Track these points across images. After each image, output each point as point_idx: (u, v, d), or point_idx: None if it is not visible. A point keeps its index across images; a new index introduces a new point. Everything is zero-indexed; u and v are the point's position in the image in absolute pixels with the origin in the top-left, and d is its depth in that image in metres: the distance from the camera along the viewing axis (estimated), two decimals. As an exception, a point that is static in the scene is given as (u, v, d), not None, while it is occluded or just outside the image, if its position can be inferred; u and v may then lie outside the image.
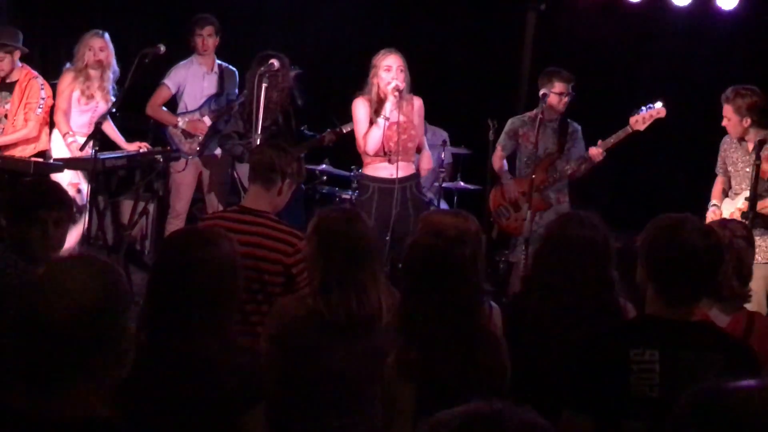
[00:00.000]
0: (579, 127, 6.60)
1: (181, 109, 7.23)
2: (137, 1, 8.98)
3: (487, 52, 8.92)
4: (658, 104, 6.26)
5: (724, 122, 5.72)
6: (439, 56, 7.40)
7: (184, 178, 7.14)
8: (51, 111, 6.73)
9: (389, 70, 5.88)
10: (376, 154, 6.00)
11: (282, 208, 4.43)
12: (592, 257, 3.40)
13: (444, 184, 7.80)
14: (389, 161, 5.98)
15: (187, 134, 7.16)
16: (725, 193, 5.96)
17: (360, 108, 6.00)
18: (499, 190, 6.77)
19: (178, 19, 7.73)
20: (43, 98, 6.61)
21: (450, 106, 8.32)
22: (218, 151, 7.24)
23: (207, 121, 7.15)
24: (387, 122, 5.85)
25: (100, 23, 7.28)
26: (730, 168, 5.88)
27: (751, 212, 5.33)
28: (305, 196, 7.74)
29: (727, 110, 5.67)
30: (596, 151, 6.35)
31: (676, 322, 2.76)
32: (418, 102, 6.11)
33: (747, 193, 5.61)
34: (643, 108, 6.28)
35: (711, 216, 5.72)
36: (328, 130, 6.75)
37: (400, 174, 5.93)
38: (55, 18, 8.71)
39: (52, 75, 7.00)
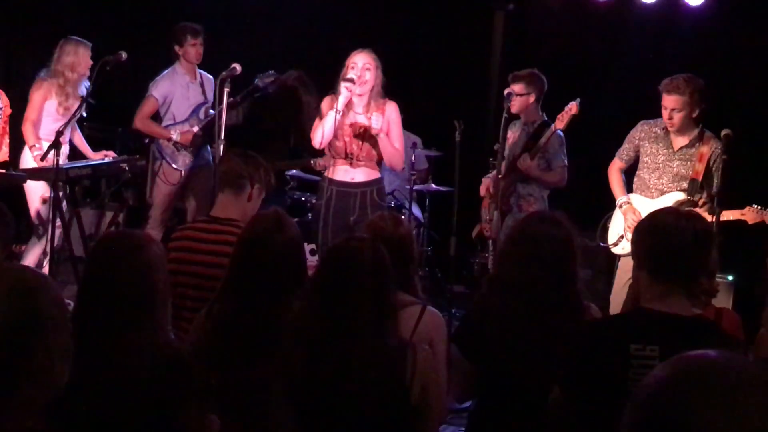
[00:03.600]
0: (561, 134, 6.41)
1: (168, 120, 7.14)
2: (102, 8, 8.89)
3: (456, 52, 8.90)
4: (572, 102, 6.06)
5: (672, 114, 5.40)
6: (408, 57, 7.37)
7: (169, 187, 7.07)
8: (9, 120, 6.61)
9: (354, 67, 5.78)
10: (337, 156, 5.88)
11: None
12: (553, 253, 3.38)
13: (415, 187, 7.78)
14: (350, 165, 5.86)
15: (180, 146, 7.08)
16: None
17: (324, 105, 5.89)
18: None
19: (144, 27, 7.67)
20: (1, 108, 6.49)
21: (419, 108, 8.27)
22: (204, 161, 7.19)
23: (196, 130, 7.09)
24: (338, 115, 5.70)
25: (65, 31, 7.20)
26: (646, 159, 5.63)
27: (719, 208, 5.22)
28: (276, 202, 7.69)
29: (671, 101, 5.41)
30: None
31: (674, 317, 2.77)
32: (390, 107, 5.90)
33: (677, 195, 5.50)
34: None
35: (631, 217, 5.51)
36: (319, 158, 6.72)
37: (361, 178, 5.84)
38: (19, 26, 8.62)
39: (15, 83, 6.91)
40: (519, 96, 6.30)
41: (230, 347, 3.25)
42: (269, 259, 3.30)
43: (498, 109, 6.86)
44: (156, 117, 7.17)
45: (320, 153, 6.56)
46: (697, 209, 5.30)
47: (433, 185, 7.98)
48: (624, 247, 5.59)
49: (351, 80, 5.71)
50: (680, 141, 5.54)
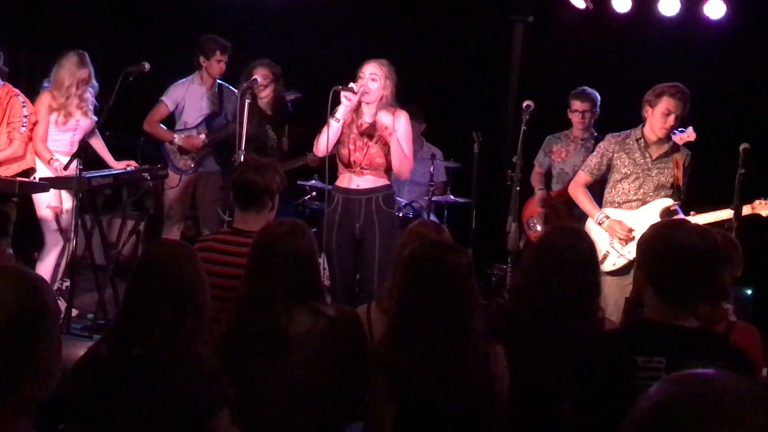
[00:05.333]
0: None
1: (179, 126, 7.23)
2: (124, 18, 8.98)
3: (475, 64, 8.92)
4: (689, 129, 6.23)
5: (668, 117, 5.47)
6: (427, 69, 7.41)
7: (177, 195, 7.12)
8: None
9: (362, 77, 5.80)
10: (343, 164, 5.87)
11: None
12: (574, 265, 3.41)
13: (433, 198, 7.80)
14: (354, 173, 5.84)
15: (183, 150, 7.15)
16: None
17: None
18: (532, 201, 6.89)
19: (166, 37, 7.73)
20: (25, 116, 6.56)
21: (438, 120, 8.31)
22: (213, 168, 7.25)
23: (203, 137, 7.14)
24: (336, 123, 5.71)
25: (85, 40, 7.28)
26: (624, 170, 5.65)
27: (737, 222, 5.25)
28: (295, 212, 7.73)
29: (678, 106, 5.47)
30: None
31: (680, 329, 2.78)
32: (401, 118, 5.87)
33: (664, 201, 5.54)
34: (676, 131, 6.24)
35: (619, 229, 5.53)
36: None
37: (366, 185, 5.83)
38: (40, 35, 8.70)
39: (37, 92, 6.97)
40: (589, 112, 6.74)
41: (243, 354, 3.29)
42: (280, 266, 3.33)
43: (516, 121, 6.88)
44: (171, 123, 7.24)
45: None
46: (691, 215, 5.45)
47: (452, 196, 7.99)
48: (615, 263, 5.59)
49: (351, 90, 5.70)
50: (657, 150, 5.63)
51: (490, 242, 7.23)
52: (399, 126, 5.80)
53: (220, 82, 7.29)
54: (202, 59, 7.15)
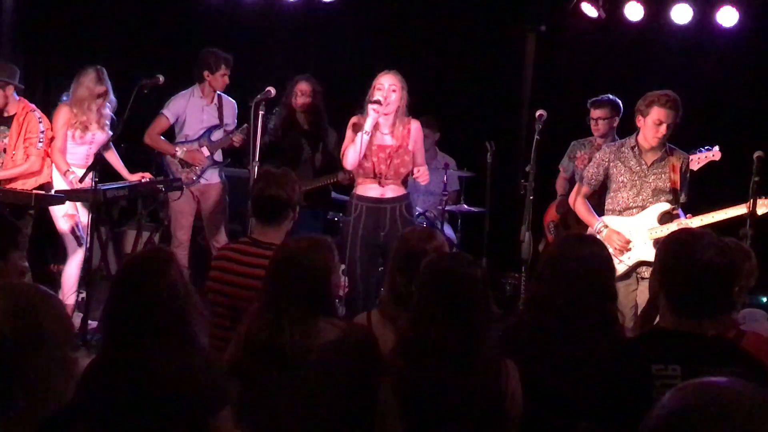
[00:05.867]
0: None
1: (180, 139, 7.26)
2: (138, 31, 9.03)
3: (488, 74, 8.92)
4: (715, 147, 6.25)
5: (660, 127, 5.46)
6: (440, 79, 7.45)
7: (182, 206, 7.14)
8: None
9: (381, 89, 5.91)
10: (366, 176, 6.00)
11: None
12: (593, 272, 3.42)
13: (447, 207, 7.80)
14: (379, 184, 5.99)
15: (185, 163, 7.20)
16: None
17: (349, 128, 6.03)
18: (553, 205, 6.92)
19: (180, 49, 7.78)
20: (42, 131, 6.62)
21: (451, 129, 8.32)
22: (215, 180, 7.29)
23: (205, 151, 7.19)
24: (366, 136, 5.84)
25: (102, 55, 7.34)
26: (621, 179, 5.67)
27: (752, 230, 5.24)
28: (325, 225, 7.75)
29: (669, 115, 5.46)
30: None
31: (695, 337, 2.78)
32: (415, 125, 6.06)
33: (662, 206, 5.55)
34: (702, 149, 6.26)
35: (617, 239, 5.53)
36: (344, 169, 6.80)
37: (390, 194, 5.99)
38: (57, 49, 8.77)
39: (54, 105, 7.03)
40: (604, 120, 6.76)
41: (260, 364, 3.31)
42: (296, 281, 3.36)
43: (529, 130, 6.89)
44: (171, 136, 7.28)
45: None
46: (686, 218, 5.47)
47: (465, 206, 8.00)
48: (617, 270, 5.57)
49: (378, 102, 5.84)
50: (651, 156, 5.63)
51: (503, 251, 7.23)
52: (415, 135, 6.03)
53: (219, 93, 7.32)
54: (206, 73, 7.16)
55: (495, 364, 3.08)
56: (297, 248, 3.48)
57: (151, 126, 7.19)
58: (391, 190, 5.99)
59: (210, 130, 7.23)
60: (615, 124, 6.85)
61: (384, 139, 5.99)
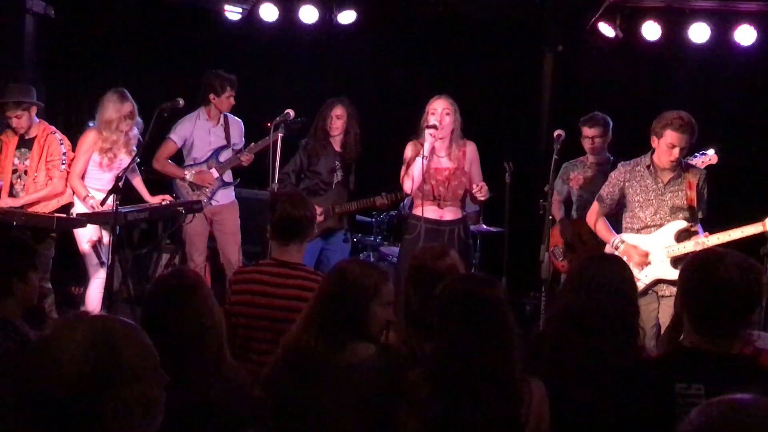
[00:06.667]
0: None
1: (188, 162, 7.30)
2: (158, 55, 9.11)
3: (506, 93, 8.96)
4: (710, 151, 6.24)
5: (673, 150, 5.44)
6: (458, 99, 7.37)
7: (196, 229, 7.17)
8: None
9: (434, 113, 6.07)
10: (425, 198, 6.11)
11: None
12: (617, 292, 3.43)
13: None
14: (438, 206, 6.13)
15: (195, 186, 7.23)
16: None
17: (407, 150, 6.19)
18: (556, 229, 6.91)
19: (197, 72, 7.83)
20: (64, 153, 6.69)
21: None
22: (227, 200, 7.33)
23: (214, 173, 7.23)
24: (425, 160, 5.97)
25: (122, 78, 7.40)
26: (637, 198, 5.66)
27: None
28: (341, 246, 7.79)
29: (682, 139, 5.42)
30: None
31: (719, 356, 2.79)
32: (470, 147, 6.25)
33: (679, 224, 5.53)
34: (697, 155, 6.25)
35: (635, 254, 5.52)
36: (383, 193, 6.85)
37: (449, 217, 6.16)
38: (77, 73, 8.85)
39: (76, 128, 7.10)
40: (599, 138, 6.78)
41: (295, 383, 3.30)
42: (351, 303, 3.34)
43: (548, 150, 6.89)
44: (179, 159, 7.33)
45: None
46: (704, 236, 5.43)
47: (484, 226, 8.00)
48: None
49: (434, 126, 6.00)
50: (667, 174, 5.61)
51: (523, 271, 7.22)
52: (471, 156, 6.23)
53: (225, 113, 7.35)
54: (212, 96, 7.19)
55: (520, 385, 3.06)
56: (351, 270, 3.44)
57: (159, 151, 7.23)
58: (450, 212, 6.16)
59: (218, 151, 7.27)
60: (608, 142, 6.87)
61: (441, 162, 6.16)
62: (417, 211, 6.18)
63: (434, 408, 2.98)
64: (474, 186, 6.07)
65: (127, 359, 1.83)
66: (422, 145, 6.05)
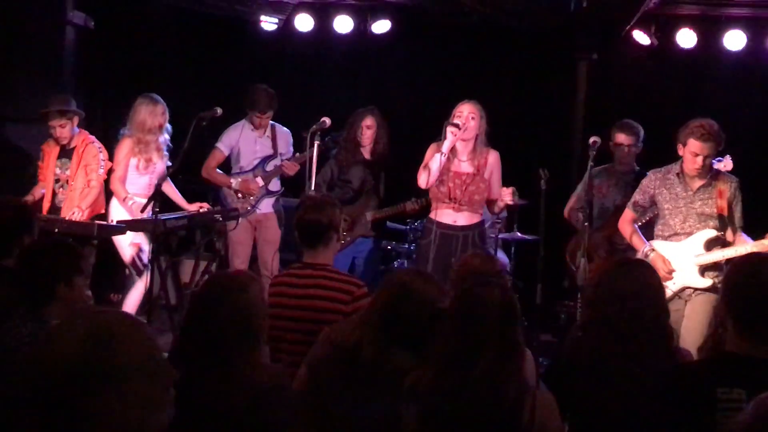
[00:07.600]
0: None
1: (235, 170, 7.40)
2: (195, 64, 9.22)
3: (540, 101, 8.97)
4: (727, 157, 6.21)
5: (704, 160, 5.46)
6: (493, 107, 7.42)
7: (239, 236, 7.27)
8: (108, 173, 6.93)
9: (460, 116, 6.11)
10: (441, 200, 6.13)
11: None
12: (646, 298, 3.44)
13: (501, 235, 7.80)
14: (454, 209, 6.12)
15: (241, 194, 7.30)
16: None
17: (429, 151, 6.20)
18: (575, 238, 6.85)
19: (234, 82, 7.92)
20: (103, 160, 6.84)
21: (504, 157, 8.32)
22: (270, 209, 7.40)
23: (259, 181, 7.31)
24: (443, 157, 5.97)
25: (160, 88, 7.48)
26: (667, 206, 5.66)
27: None
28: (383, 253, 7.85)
29: (704, 147, 5.42)
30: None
31: (761, 361, 2.79)
32: (493, 155, 6.25)
33: (708, 232, 5.51)
34: (713, 161, 6.23)
35: (661, 266, 5.47)
36: (413, 198, 6.90)
37: (464, 222, 6.15)
38: (117, 82, 8.97)
39: (113, 139, 7.19)
40: (631, 147, 6.70)
41: (331, 386, 3.33)
42: (409, 311, 3.33)
43: (583, 157, 6.89)
44: (227, 167, 7.41)
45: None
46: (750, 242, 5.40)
47: (519, 233, 8.00)
48: None
49: (456, 125, 6.02)
50: (697, 182, 5.60)
51: (558, 279, 7.22)
52: (493, 164, 6.22)
53: (273, 123, 7.43)
54: (248, 109, 7.28)
55: (522, 393, 2.98)
56: (409, 280, 3.43)
57: (207, 160, 7.34)
58: (465, 218, 6.15)
59: (264, 160, 7.35)
60: (638, 153, 6.78)
61: (461, 166, 6.17)
62: (432, 215, 6.21)
63: (434, 408, 2.98)
64: (503, 191, 6.05)
65: (124, 355, 1.79)
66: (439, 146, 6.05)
